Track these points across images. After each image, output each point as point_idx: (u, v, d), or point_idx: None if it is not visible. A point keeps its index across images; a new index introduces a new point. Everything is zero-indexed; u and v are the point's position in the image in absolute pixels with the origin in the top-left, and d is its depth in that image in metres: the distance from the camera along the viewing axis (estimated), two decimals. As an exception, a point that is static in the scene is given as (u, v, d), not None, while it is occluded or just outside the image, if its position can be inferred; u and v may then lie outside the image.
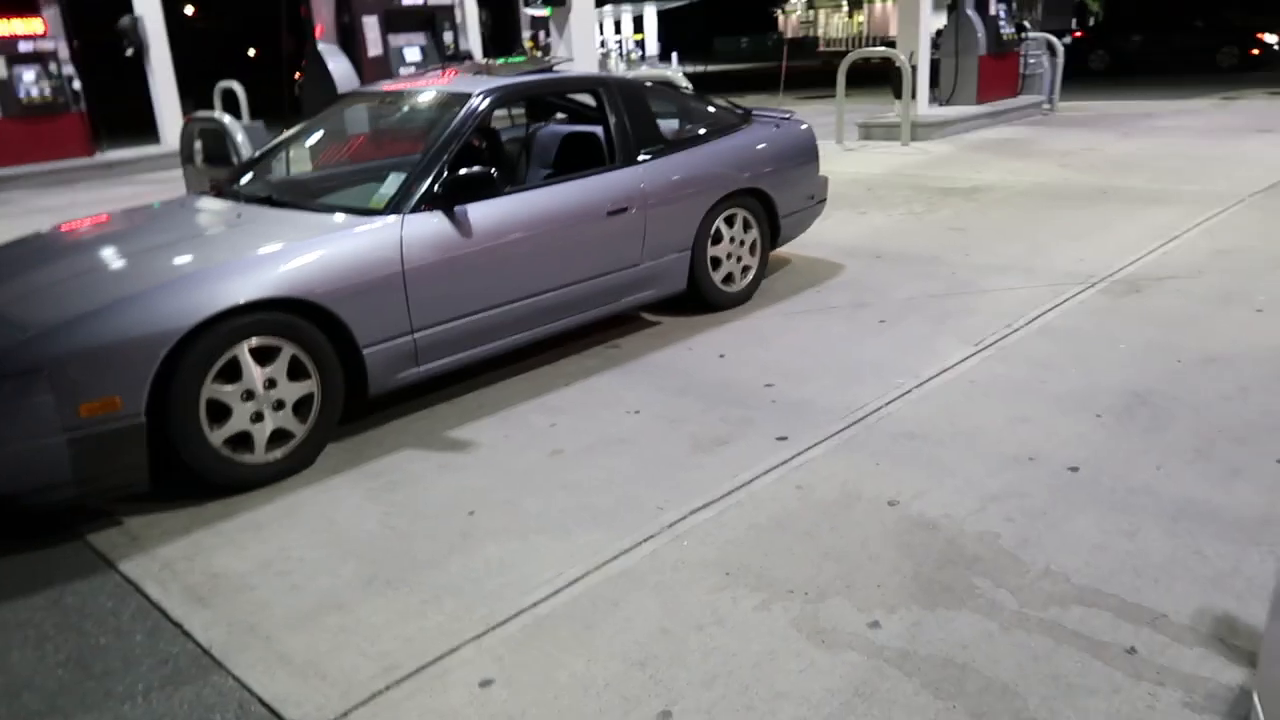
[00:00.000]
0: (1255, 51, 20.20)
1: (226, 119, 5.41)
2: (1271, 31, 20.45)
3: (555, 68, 4.55)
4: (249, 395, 3.12)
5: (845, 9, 63.59)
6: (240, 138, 5.31)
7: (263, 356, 3.15)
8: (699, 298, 4.72)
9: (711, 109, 4.98)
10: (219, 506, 3.09)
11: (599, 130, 4.63)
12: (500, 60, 6.58)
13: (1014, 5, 12.29)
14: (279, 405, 3.21)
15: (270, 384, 3.17)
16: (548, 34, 16.49)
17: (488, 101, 3.97)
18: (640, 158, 4.35)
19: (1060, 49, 12.62)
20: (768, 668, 2.14)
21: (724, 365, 4.11)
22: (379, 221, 3.48)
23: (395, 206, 3.55)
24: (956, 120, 11.08)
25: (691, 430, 3.46)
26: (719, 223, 4.70)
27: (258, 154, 4.53)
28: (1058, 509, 2.75)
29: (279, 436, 3.23)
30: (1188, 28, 20.74)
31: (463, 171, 3.60)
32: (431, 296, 3.55)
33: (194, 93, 13.67)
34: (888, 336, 4.34)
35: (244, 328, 3.07)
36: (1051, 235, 5.99)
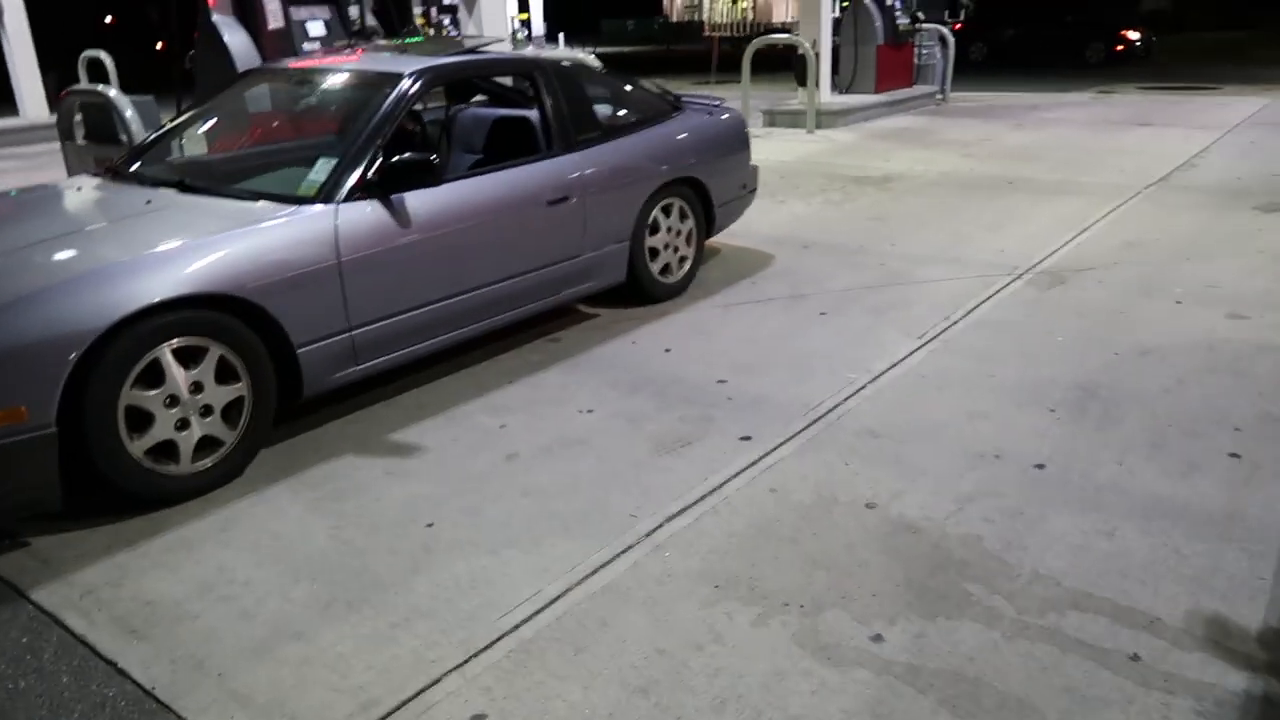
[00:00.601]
0: (1119, 48, 21.34)
1: (113, 93, 4.93)
2: (1134, 29, 21.65)
3: (483, 48, 4.32)
4: (173, 401, 2.83)
5: (731, -6, 64.30)
6: (129, 114, 4.85)
7: (187, 358, 2.85)
8: (637, 289, 4.59)
9: (643, 95, 4.83)
10: (142, 524, 2.79)
11: (532, 115, 4.42)
12: (403, 40, 6.27)
13: (910, -4, 12.55)
14: (206, 411, 2.92)
15: (196, 388, 2.88)
16: (440, 12, 15.96)
17: (419, 83, 3.72)
18: (579, 145, 4.17)
19: (951, 41, 12.97)
20: (778, 689, 2.04)
21: (671, 360, 4.00)
22: (311, 210, 3.21)
23: (327, 194, 3.27)
24: (858, 109, 11.25)
25: (651, 430, 3.34)
26: (656, 212, 4.58)
27: (156, 133, 4.14)
28: (1033, 508, 2.76)
29: (207, 444, 2.95)
30: (1059, 22, 21.72)
31: (400, 158, 3.35)
32: (369, 290, 3.30)
33: (49, 62, 12.62)
34: (831, 328, 4.32)
35: (166, 327, 2.78)
36: (969, 226, 6.11)
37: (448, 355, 3.99)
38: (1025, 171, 7.88)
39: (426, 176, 3.34)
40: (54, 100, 12.57)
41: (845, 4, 12.20)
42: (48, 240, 3.05)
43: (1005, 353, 3.95)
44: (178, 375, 2.82)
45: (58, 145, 10.99)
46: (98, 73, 12.28)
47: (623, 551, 2.59)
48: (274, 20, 5.98)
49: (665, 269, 4.71)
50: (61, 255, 2.89)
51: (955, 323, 4.33)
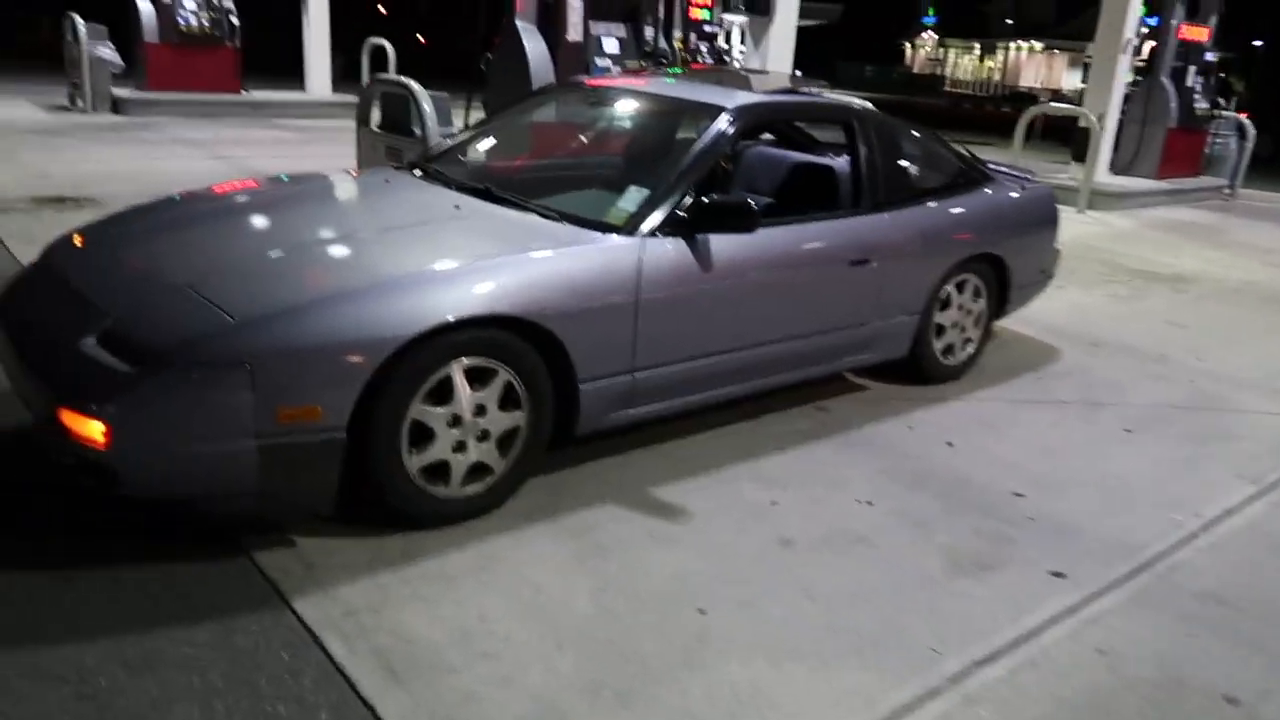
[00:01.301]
0: None
1: (415, 86, 5.03)
2: None
3: (809, 90, 4.05)
4: (455, 421, 2.69)
5: (977, 52, 61.98)
6: (427, 108, 4.92)
7: (474, 379, 2.70)
8: (916, 367, 4.17)
9: (952, 158, 4.42)
10: (401, 542, 2.66)
11: (836, 164, 4.11)
12: (673, 69, 6.11)
13: (1211, 79, 11.42)
14: (484, 436, 2.77)
15: (479, 411, 2.73)
16: (699, 39, 16.00)
17: (742, 120, 3.48)
18: (886, 205, 3.82)
19: (1251, 132, 11.72)
20: None
21: (956, 456, 3.57)
22: (617, 240, 3.01)
23: (635, 226, 3.07)
24: (1135, 193, 10.30)
25: (942, 541, 2.93)
26: (950, 288, 4.15)
27: (467, 134, 4.11)
28: None
29: (477, 470, 2.79)
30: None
31: (717, 199, 3.11)
32: (660, 333, 3.08)
33: (335, 45, 13.52)
34: (1141, 452, 3.75)
35: (462, 344, 2.64)
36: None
37: (710, 410, 3.72)
38: (1348, 294, 6.86)
39: (741, 222, 3.08)
40: (337, 81, 13.47)
41: (1139, 78, 11.23)
42: (356, 235, 3.00)
43: (1373, 523, 3.27)
44: (465, 395, 2.68)
45: (333, 122, 11.75)
46: (378, 60, 13.04)
47: (926, 696, 2.21)
48: (574, 32, 5.99)
49: (948, 349, 4.27)
50: (372, 254, 2.82)
51: (1299, 472, 3.66)
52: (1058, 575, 2.79)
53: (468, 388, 2.68)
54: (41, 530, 2.61)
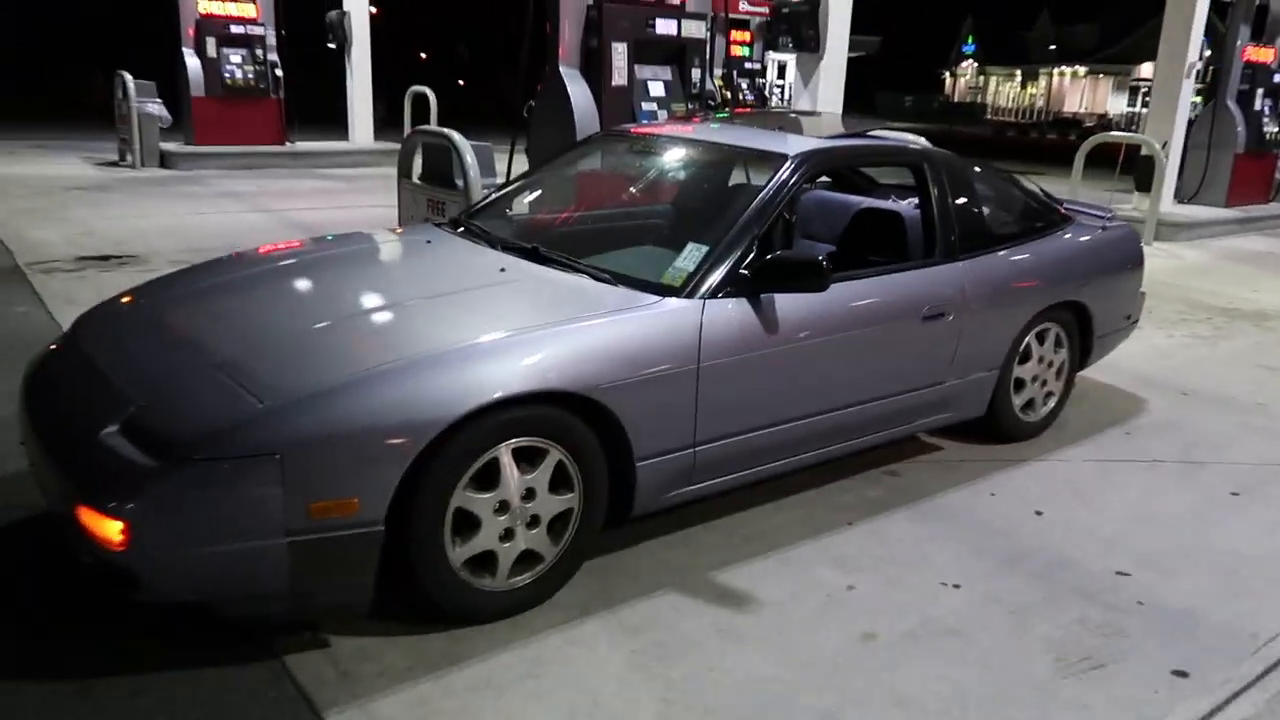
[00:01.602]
0: None
1: (456, 137, 4.88)
2: None
3: (871, 132, 3.81)
4: (503, 507, 2.45)
5: (1019, 79, 61.33)
6: (469, 159, 4.77)
7: (523, 459, 2.47)
8: (993, 425, 3.87)
9: (1028, 200, 4.14)
10: (444, 641, 2.42)
11: (905, 210, 3.85)
12: (719, 113, 5.89)
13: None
14: (533, 521, 2.53)
15: (528, 495, 2.49)
16: (739, 75, 15.83)
17: (806, 168, 3.24)
18: (961, 253, 3.55)
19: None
20: None
21: (1048, 528, 3.25)
22: (675, 304, 2.78)
23: (695, 287, 2.84)
24: (1204, 223, 9.87)
25: (1044, 632, 2.62)
26: (1030, 339, 3.85)
27: (508, 187, 3.93)
28: None
29: (526, 559, 2.55)
30: None
31: (784, 255, 2.87)
32: (723, 403, 2.83)
33: (375, 92, 13.59)
34: (1254, 520, 3.40)
35: (511, 423, 2.41)
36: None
37: (772, 477, 3.45)
38: None
39: (812, 280, 2.82)
40: (379, 128, 13.53)
41: (1201, 101, 10.82)
42: (397, 302, 2.81)
43: None
44: (513, 479, 2.45)
45: (377, 170, 11.76)
46: (420, 108, 13.09)
47: (1050, 836, 1.90)
48: (619, 76, 5.83)
49: (1028, 404, 3.96)
50: (415, 325, 2.61)
51: None
52: (1180, 675, 2.46)
53: (516, 470, 2.45)
54: (61, 628, 2.42)
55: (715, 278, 2.85)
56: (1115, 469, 3.80)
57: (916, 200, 3.76)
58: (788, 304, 2.95)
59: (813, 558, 2.96)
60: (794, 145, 3.33)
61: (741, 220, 3.01)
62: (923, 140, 4.18)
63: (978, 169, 3.92)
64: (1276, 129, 10.80)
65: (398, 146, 6.67)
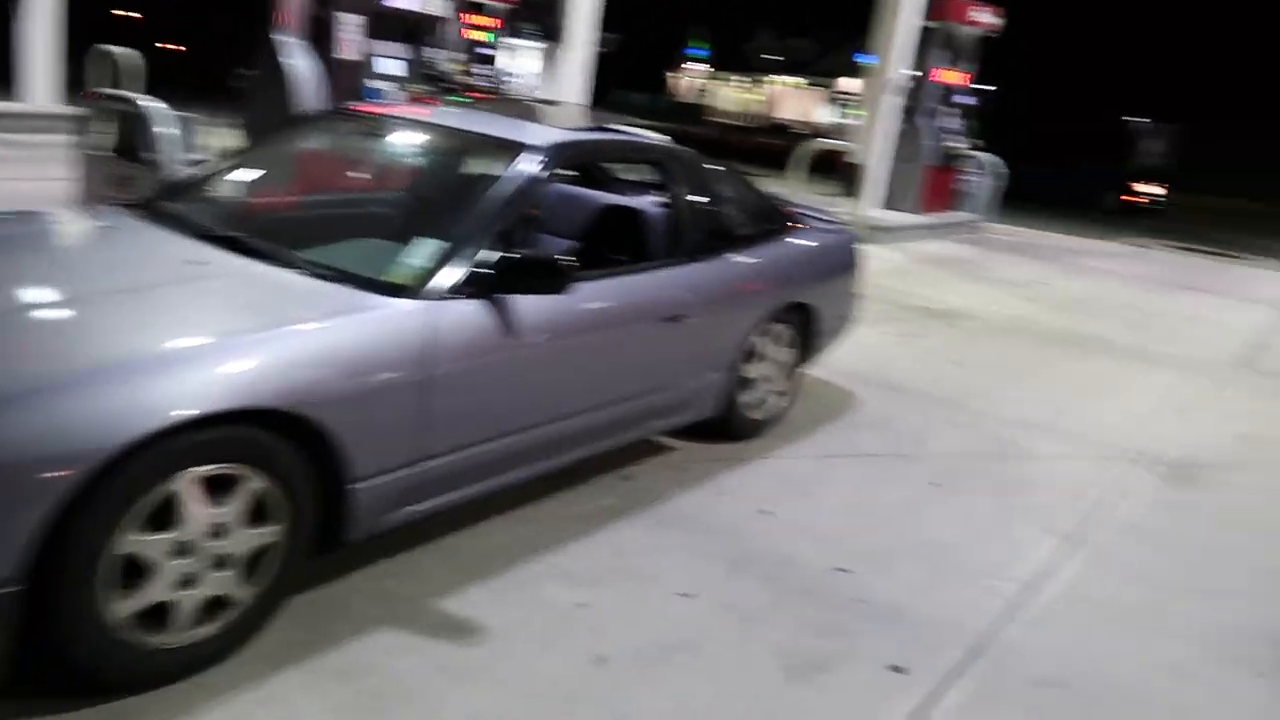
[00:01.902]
0: (1131, 199, 21.53)
1: (151, 105, 4.23)
2: (1150, 182, 21.85)
3: (619, 127, 3.70)
4: (183, 549, 2.08)
5: (742, 84, 65.02)
6: (163, 131, 4.15)
7: (214, 488, 2.11)
8: (724, 424, 3.91)
9: (763, 202, 4.22)
10: (102, 718, 2.01)
11: (647, 209, 3.77)
12: (453, 96, 5.63)
13: (964, 119, 12.26)
14: (221, 562, 2.17)
15: (217, 532, 2.13)
16: (478, 62, 15.41)
17: (553, 160, 3.05)
18: (701, 254, 3.53)
19: (1004, 172, 12.64)
20: None
21: (774, 528, 3.31)
22: (403, 306, 2.50)
23: (426, 287, 2.57)
24: (901, 228, 10.81)
25: (774, 640, 2.63)
26: (759, 339, 3.93)
27: (206, 166, 3.44)
28: None
29: (214, 606, 2.19)
30: (1075, 167, 21.79)
31: (526, 255, 2.68)
32: (455, 413, 2.60)
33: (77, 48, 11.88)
34: (952, 510, 3.66)
35: (197, 448, 2.04)
36: (1062, 390, 5.53)
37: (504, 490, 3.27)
38: (1096, 328, 7.38)
39: (552, 282, 2.63)
40: (72, 90, 11.80)
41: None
42: (64, 304, 2.32)
43: (1172, 578, 3.31)
44: (197, 515, 2.08)
45: (62, 138, 10.22)
46: (108, 72, 11.54)
47: None
48: (351, 51, 5.29)
49: (756, 404, 4.04)
50: (76, 331, 2.17)
51: (1098, 524, 3.68)
52: (897, 670, 2.55)
53: (202, 504, 2.08)
54: None
55: (450, 277, 2.61)
56: (834, 465, 3.97)
57: (658, 199, 3.71)
58: (527, 305, 2.75)
59: (542, 575, 2.81)
60: (541, 136, 3.14)
61: (481, 215, 2.79)
62: (666, 138, 4.13)
63: (719, 169, 3.93)
64: (958, 144, 12.03)
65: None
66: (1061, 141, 23.28)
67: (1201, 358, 6.79)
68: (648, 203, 3.87)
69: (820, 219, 4.55)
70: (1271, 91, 30.98)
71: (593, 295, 3.00)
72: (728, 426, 3.93)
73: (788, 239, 4.10)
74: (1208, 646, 2.88)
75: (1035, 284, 9.17)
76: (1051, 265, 10.59)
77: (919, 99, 11.56)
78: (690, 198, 3.54)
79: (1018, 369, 5.89)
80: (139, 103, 4.32)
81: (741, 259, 3.73)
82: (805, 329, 4.22)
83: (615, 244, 3.65)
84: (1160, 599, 3.14)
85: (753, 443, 4.05)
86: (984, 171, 12.56)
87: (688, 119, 49.19)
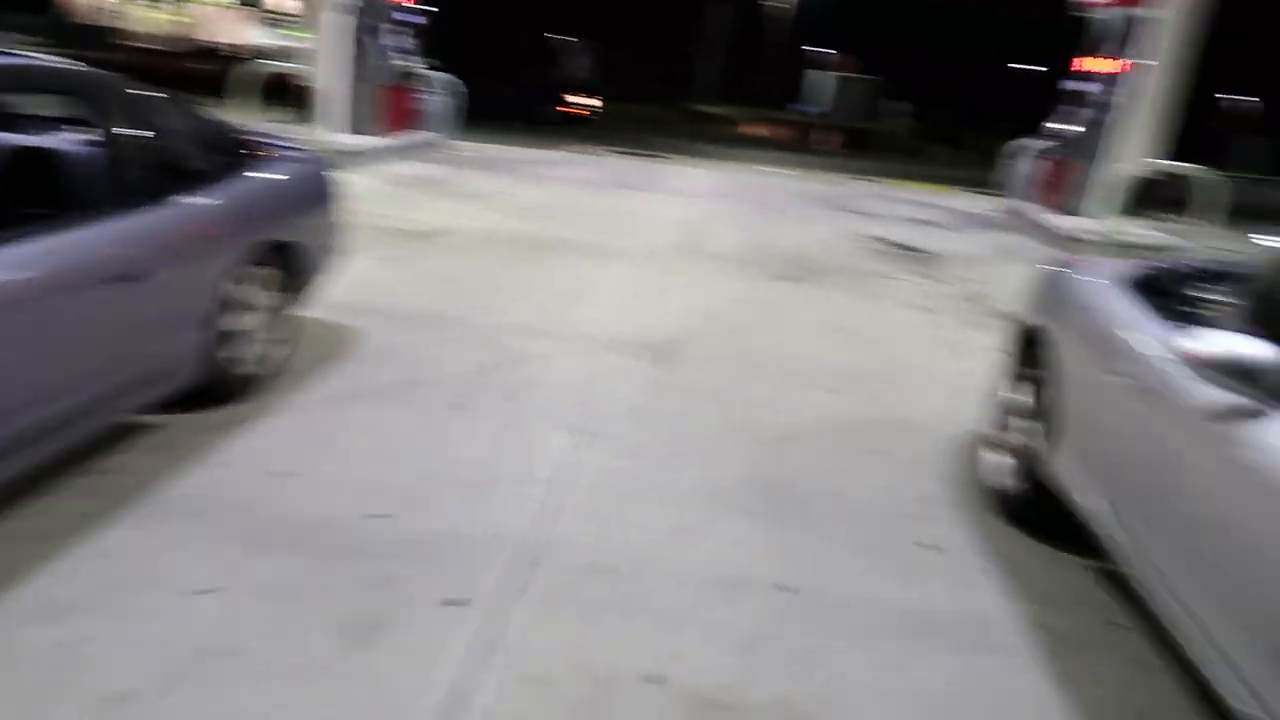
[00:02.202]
0: (565, 109, 23.54)
1: None
2: (583, 94, 24.02)
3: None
4: None
5: (166, 4, 57.35)
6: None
7: None
8: (213, 387, 3.45)
9: (219, 134, 3.69)
10: None
11: (68, 149, 3.06)
12: None
13: (412, 38, 12.14)
14: None
15: None
16: None
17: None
18: (148, 201, 2.98)
19: (463, 90, 12.79)
20: None
21: (293, 489, 3.03)
22: None
23: None
24: (368, 150, 10.50)
25: (321, 612, 2.41)
26: (236, 287, 3.49)
27: None
28: (812, 644, 2.48)
29: None
30: (512, 81, 23.11)
31: None
32: None
33: None
34: (475, 427, 3.68)
35: None
36: (543, 292, 5.84)
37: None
38: (562, 231, 7.91)
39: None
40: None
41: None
42: None
43: (665, 447, 3.69)
44: None
45: None
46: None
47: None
48: None
49: (244, 358, 3.62)
50: None
51: (602, 413, 3.97)
52: (453, 604, 2.50)
53: None
54: None
55: None
56: (350, 407, 3.75)
57: (82, 137, 3.03)
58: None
59: (14, 619, 2.24)
60: None
61: None
62: (79, 64, 3.38)
63: (159, 97, 3.31)
64: (410, 63, 11.93)
65: None
66: (502, 61, 24.43)
67: (652, 249, 7.64)
68: (67, 142, 3.16)
69: (286, 148, 4.15)
70: (662, 14, 35.57)
71: (5, 265, 2.36)
72: (219, 389, 3.48)
73: (252, 173, 3.66)
74: (703, 502, 3.25)
75: (501, 195, 9.55)
76: (512, 176, 11.09)
77: (362, 18, 11.17)
78: (124, 133, 2.95)
79: (503, 279, 6.10)
80: None
81: (198, 200, 3.24)
82: (289, 269, 3.86)
83: (26, 197, 2.93)
84: (658, 469, 3.48)
85: (253, 401, 3.64)
86: (441, 91, 12.65)
87: (92, 43, 42.08)
